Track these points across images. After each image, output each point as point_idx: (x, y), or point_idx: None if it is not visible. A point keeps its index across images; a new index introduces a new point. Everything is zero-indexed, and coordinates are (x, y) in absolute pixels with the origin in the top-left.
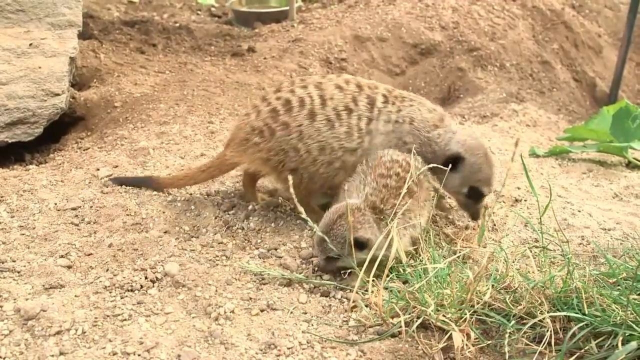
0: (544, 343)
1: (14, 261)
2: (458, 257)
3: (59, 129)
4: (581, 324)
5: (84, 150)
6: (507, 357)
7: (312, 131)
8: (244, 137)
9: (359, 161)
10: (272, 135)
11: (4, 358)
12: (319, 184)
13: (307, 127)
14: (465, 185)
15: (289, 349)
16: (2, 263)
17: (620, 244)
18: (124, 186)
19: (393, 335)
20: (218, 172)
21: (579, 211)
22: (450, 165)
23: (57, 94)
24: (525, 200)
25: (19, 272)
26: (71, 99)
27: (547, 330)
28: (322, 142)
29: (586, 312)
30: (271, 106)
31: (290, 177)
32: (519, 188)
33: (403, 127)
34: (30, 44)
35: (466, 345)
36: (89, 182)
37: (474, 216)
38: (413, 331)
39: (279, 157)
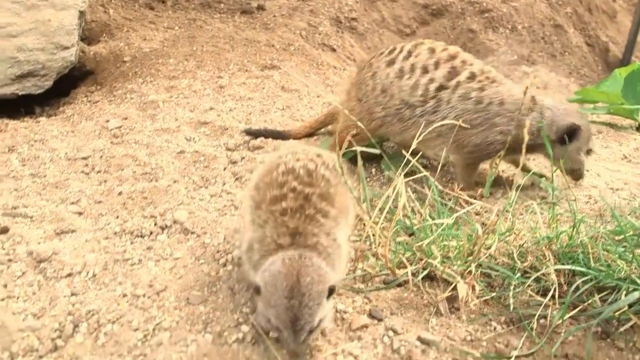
0: (548, 296)
1: (26, 207)
2: (464, 213)
3: (68, 83)
4: (585, 278)
5: (93, 103)
6: (511, 309)
7: (383, 74)
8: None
9: (418, 123)
10: (359, 72)
11: (17, 297)
12: (374, 124)
13: (381, 70)
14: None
15: None
16: (15, 209)
17: (628, 203)
18: (137, 138)
19: (399, 285)
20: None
21: (587, 171)
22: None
23: (67, 47)
24: (534, 159)
25: (31, 218)
26: (81, 53)
27: (552, 284)
28: (386, 85)
29: (591, 267)
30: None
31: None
32: None
33: (490, 108)
34: None
35: (471, 296)
36: (99, 133)
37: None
38: (419, 281)
39: (355, 88)
